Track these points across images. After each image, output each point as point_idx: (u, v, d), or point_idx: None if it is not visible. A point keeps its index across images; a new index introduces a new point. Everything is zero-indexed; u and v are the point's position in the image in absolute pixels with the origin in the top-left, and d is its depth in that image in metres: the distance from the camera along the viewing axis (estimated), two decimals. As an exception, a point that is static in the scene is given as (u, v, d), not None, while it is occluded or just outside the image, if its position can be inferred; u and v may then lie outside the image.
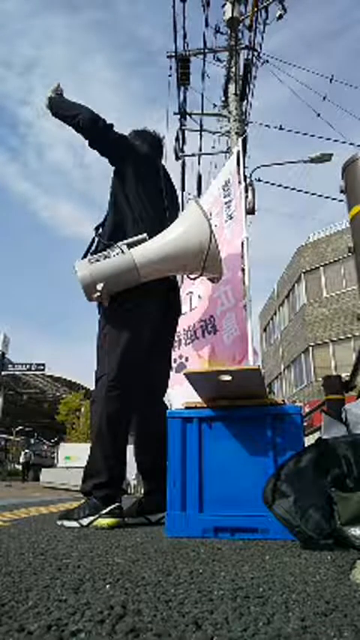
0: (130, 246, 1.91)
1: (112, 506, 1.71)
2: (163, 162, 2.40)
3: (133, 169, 2.08)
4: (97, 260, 1.88)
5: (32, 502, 3.74)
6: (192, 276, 2.18)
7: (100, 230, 2.08)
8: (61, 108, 2.10)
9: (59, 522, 1.77)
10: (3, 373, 26.00)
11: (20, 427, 32.11)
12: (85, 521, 1.71)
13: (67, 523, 1.74)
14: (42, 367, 28.38)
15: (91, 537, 1.37)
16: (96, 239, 2.05)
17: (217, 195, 3.22)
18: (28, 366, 28.19)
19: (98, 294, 1.85)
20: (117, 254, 1.87)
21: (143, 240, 1.93)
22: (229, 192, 3.06)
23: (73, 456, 12.62)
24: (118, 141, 2.10)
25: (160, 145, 2.38)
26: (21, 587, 0.71)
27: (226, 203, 3.05)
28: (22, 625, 0.53)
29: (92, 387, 1.99)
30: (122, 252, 1.87)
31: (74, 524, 1.72)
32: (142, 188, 2.09)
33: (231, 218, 2.89)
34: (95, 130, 2.03)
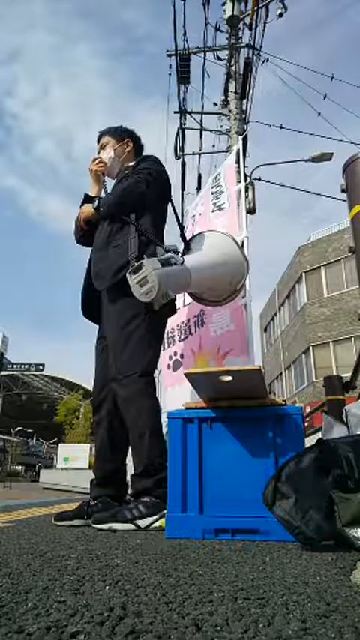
0: (174, 252, 1.89)
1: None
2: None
3: (162, 196, 2.14)
4: (163, 264, 1.76)
5: (32, 503, 3.74)
6: (209, 299, 2.19)
7: (132, 217, 2.01)
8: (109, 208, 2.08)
9: (102, 526, 1.60)
10: (2, 373, 25.99)
11: (19, 428, 32.14)
12: (143, 523, 1.59)
13: (117, 526, 1.59)
14: (41, 367, 28.37)
15: (91, 538, 1.37)
16: (132, 226, 1.98)
17: (208, 188, 3.25)
18: (27, 367, 28.18)
19: (163, 298, 1.74)
20: (175, 262, 1.81)
21: (178, 250, 1.93)
22: (219, 183, 3.08)
23: (72, 456, 12.63)
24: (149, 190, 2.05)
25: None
26: (20, 589, 0.71)
27: (213, 193, 3.08)
28: (21, 626, 0.53)
29: (90, 387, 1.98)
30: (182, 263, 1.83)
31: (128, 526, 1.59)
32: (163, 216, 2.17)
33: (220, 209, 2.91)
34: (124, 207, 2.03)
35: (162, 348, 2.46)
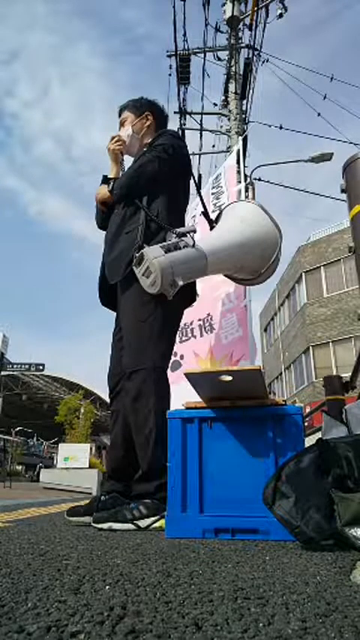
0: (182, 234, 1.76)
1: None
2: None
3: (180, 173, 2.06)
4: (169, 250, 1.67)
5: (32, 503, 3.74)
6: (244, 278, 2.08)
7: (144, 202, 1.92)
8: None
9: (102, 526, 1.60)
10: (2, 373, 25.96)
11: (19, 428, 32.16)
12: (143, 523, 1.58)
13: (117, 526, 1.58)
14: (41, 367, 28.32)
15: (91, 538, 1.37)
16: (142, 212, 1.89)
17: (208, 188, 3.25)
18: (27, 367, 28.13)
19: (173, 287, 1.65)
20: (185, 246, 1.70)
21: (193, 231, 1.79)
22: (219, 184, 3.08)
23: (72, 456, 12.63)
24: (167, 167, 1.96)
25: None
26: (20, 589, 0.71)
27: (213, 194, 3.08)
28: (21, 626, 0.53)
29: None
30: (194, 245, 1.70)
31: (128, 526, 1.58)
32: (184, 191, 2.10)
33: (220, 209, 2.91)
34: (134, 189, 1.95)
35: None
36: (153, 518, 1.59)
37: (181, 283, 1.66)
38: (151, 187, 1.93)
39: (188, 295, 1.98)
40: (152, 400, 1.74)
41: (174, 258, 1.64)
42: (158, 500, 1.62)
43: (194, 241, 1.73)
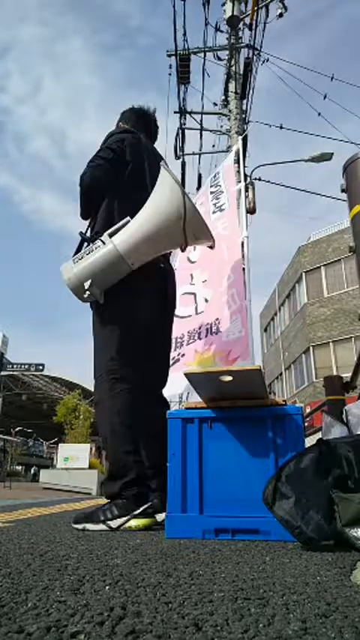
0: (112, 234, 1.80)
1: (145, 506, 1.60)
2: (149, 138, 2.26)
3: (124, 169, 2.01)
4: (81, 258, 1.81)
5: (32, 503, 3.74)
6: (184, 247, 1.92)
7: (88, 232, 2.00)
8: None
9: (78, 526, 1.61)
10: (2, 373, 25.97)
11: (19, 428, 32.14)
12: (114, 524, 1.58)
13: (91, 526, 1.59)
14: (41, 367, 28.33)
15: (91, 539, 1.37)
16: (85, 243, 1.95)
17: (206, 187, 3.25)
18: (27, 367, 28.14)
19: (88, 293, 1.77)
20: (98, 247, 1.77)
21: (125, 224, 1.82)
22: (217, 183, 3.08)
23: (72, 456, 12.63)
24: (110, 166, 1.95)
25: (146, 120, 2.29)
26: (20, 589, 0.71)
27: (212, 193, 3.07)
28: (21, 626, 0.53)
29: (90, 387, 1.99)
30: (103, 243, 1.78)
31: (101, 527, 1.58)
32: (131, 178, 2.00)
33: (221, 210, 2.90)
34: (90, 189, 1.95)
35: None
36: (124, 519, 1.59)
37: (95, 288, 1.77)
38: (91, 199, 1.97)
39: (153, 298, 1.95)
40: (106, 401, 1.80)
41: (77, 267, 1.79)
42: (127, 499, 1.63)
43: (103, 241, 1.78)
